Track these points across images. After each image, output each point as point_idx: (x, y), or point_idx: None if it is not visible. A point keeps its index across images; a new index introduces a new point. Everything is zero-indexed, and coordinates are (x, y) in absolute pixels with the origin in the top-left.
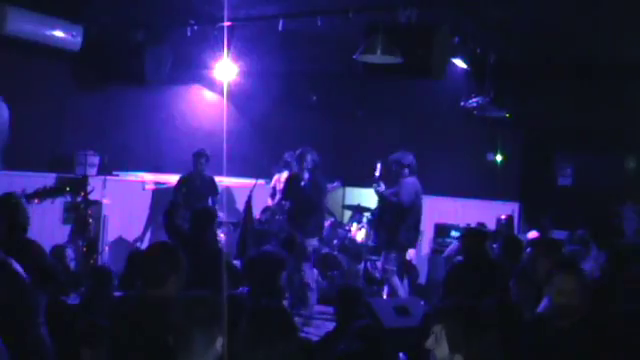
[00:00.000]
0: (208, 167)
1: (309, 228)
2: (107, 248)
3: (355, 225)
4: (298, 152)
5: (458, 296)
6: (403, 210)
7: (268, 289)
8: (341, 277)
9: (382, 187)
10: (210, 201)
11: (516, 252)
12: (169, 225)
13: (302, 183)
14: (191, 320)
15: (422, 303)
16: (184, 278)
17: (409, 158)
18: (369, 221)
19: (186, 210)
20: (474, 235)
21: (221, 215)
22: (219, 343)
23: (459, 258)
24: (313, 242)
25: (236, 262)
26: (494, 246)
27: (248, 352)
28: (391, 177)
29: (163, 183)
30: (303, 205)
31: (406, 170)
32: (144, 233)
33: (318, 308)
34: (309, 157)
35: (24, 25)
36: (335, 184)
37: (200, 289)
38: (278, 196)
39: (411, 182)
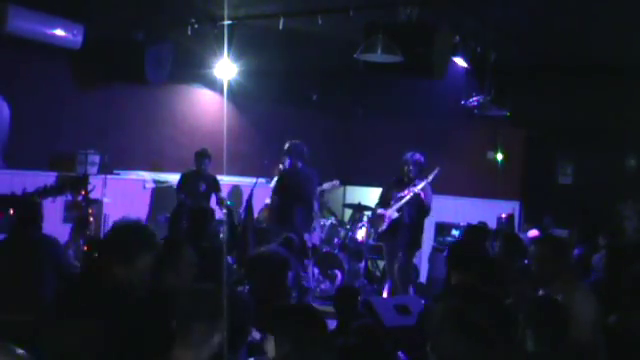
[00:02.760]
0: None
1: (295, 222)
2: None
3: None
4: (286, 147)
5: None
6: (427, 212)
7: (271, 288)
8: (342, 276)
9: (422, 194)
10: (215, 198)
11: (516, 250)
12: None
13: (283, 170)
14: (193, 311)
15: (423, 302)
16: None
17: (424, 159)
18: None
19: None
20: (475, 231)
21: (221, 214)
22: (217, 339)
23: None
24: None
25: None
26: (494, 244)
27: (297, 352)
28: (406, 176)
29: (164, 182)
30: (287, 197)
31: (422, 172)
32: None
33: (319, 307)
34: (291, 147)
35: (25, 24)
36: (334, 182)
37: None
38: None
39: (429, 184)
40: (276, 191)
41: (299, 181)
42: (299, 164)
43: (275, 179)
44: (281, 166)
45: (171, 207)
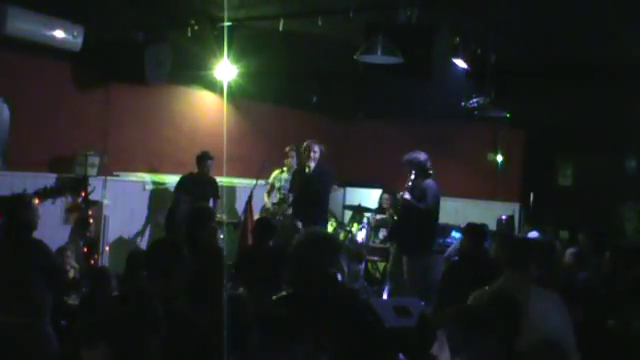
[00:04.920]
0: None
1: (313, 219)
2: (107, 248)
3: (356, 225)
4: (304, 144)
5: (454, 298)
6: (430, 214)
7: (271, 288)
8: (342, 277)
9: (407, 195)
10: (211, 202)
11: None
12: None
13: (309, 172)
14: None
15: (423, 303)
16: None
17: (427, 158)
18: (392, 229)
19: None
20: (472, 231)
21: (221, 216)
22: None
23: (456, 258)
24: None
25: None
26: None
27: (264, 356)
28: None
29: (163, 183)
30: (307, 195)
31: (425, 172)
32: (144, 233)
33: None
34: (316, 147)
35: (24, 25)
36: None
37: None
38: (276, 194)
39: (434, 185)
40: (293, 188)
41: (320, 176)
42: (320, 160)
43: (273, 174)
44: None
45: None
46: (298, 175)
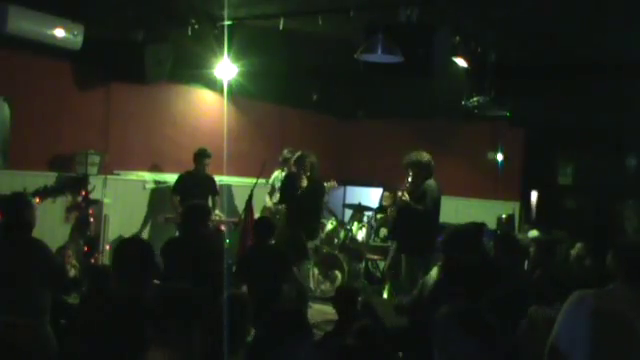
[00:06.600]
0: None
1: (309, 232)
2: (108, 247)
3: (356, 224)
4: (297, 155)
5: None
6: (429, 216)
7: (267, 288)
8: (342, 276)
9: (406, 196)
10: (210, 201)
11: (512, 250)
12: None
13: (299, 191)
14: (166, 310)
15: None
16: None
17: (429, 159)
18: (393, 231)
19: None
20: (473, 226)
21: (220, 215)
22: (196, 339)
23: None
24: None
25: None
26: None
27: (269, 352)
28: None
29: (163, 182)
30: (298, 211)
31: (427, 173)
32: (144, 232)
33: (319, 308)
34: (307, 161)
35: (25, 24)
36: (331, 182)
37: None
38: (276, 195)
39: (434, 186)
40: (285, 198)
41: (309, 194)
42: (310, 175)
43: (274, 175)
44: (283, 168)
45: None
46: (291, 186)
